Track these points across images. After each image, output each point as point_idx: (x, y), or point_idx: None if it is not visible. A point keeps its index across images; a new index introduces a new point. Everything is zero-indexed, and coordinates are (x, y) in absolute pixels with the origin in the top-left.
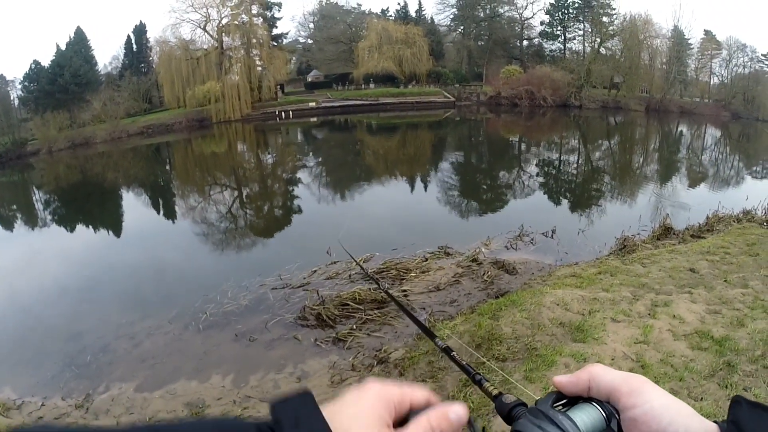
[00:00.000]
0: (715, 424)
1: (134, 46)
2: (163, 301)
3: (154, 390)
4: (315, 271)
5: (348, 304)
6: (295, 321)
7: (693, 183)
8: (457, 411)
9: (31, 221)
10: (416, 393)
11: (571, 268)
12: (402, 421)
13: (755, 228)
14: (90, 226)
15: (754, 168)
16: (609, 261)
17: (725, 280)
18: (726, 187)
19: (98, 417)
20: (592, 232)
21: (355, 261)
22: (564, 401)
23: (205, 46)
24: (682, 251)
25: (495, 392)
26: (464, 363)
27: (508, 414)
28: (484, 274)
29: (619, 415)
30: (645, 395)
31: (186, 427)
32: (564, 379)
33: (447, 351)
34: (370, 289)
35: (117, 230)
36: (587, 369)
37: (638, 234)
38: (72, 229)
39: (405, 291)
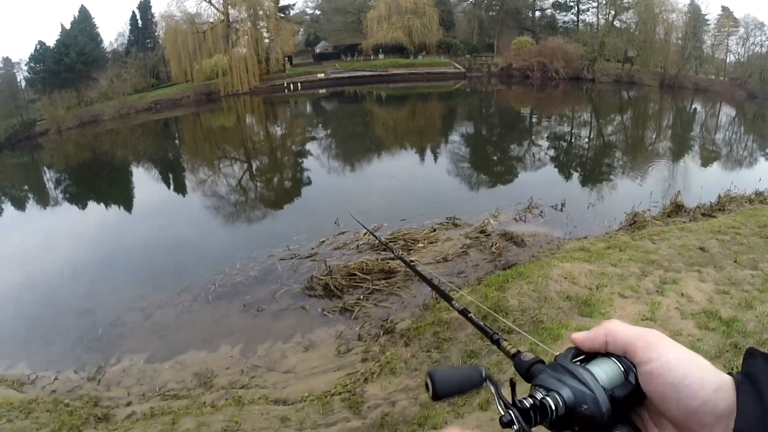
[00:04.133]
0: (729, 377)
1: (139, 22)
2: (173, 273)
3: (164, 361)
4: (323, 241)
5: (355, 275)
6: (302, 291)
7: (706, 161)
8: None
9: (43, 200)
10: None
11: (579, 242)
12: None
13: (767, 209)
14: (100, 203)
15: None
16: (618, 236)
17: (735, 261)
18: (739, 167)
19: (110, 389)
20: (602, 206)
21: (368, 230)
22: (582, 357)
23: (211, 20)
24: (692, 229)
25: (513, 351)
26: (482, 324)
27: (527, 371)
28: (492, 246)
29: (636, 369)
30: (660, 349)
31: None
32: (581, 336)
33: (464, 313)
34: (377, 259)
35: (127, 206)
36: (604, 325)
37: (649, 210)
38: (83, 207)
39: (412, 261)
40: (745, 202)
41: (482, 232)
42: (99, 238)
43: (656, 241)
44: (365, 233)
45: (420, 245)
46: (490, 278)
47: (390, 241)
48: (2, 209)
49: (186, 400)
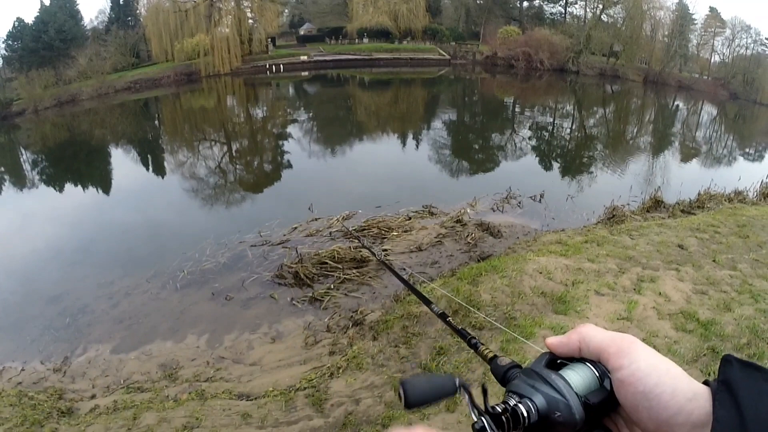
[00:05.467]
0: (704, 385)
1: None
2: (143, 259)
3: (129, 351)
4: (296, 228)
5: (326, 263)
6: (272, 279)
7: (686, 158)
8: None
9: (19, 182)
10: None
11: (557, 234)
12: None
13: (746, 209)
14: (77, 185)
15: (747, 150)
16: (596, 230)
17: (714, 260)
18: (718, 165)
19: (75, 380)
20: (581, 198)
21: (353, 234)
22: (558, 362)
23: None
24: (671, 226)
25: (490, 355)
26: (460, 328)
27: (504, 376)
28: (467, 236)
29: (610, 375)
30: (632, 356)
31: None
32: (556, 341)
33: (443, 317)
34: (350, 247)
35: (104, 188)
36: (578, 329)
37: (628, 204)
38: (59, 189)
39: (386, 250)
40: (725, 200)
41: (458, 221)
42: (74, 221)
43: (634, 237)
44: (337, 219)
45: (394, 233)
46: (462, 271)
47: (363, 229)
48: None
49: (149, 393)
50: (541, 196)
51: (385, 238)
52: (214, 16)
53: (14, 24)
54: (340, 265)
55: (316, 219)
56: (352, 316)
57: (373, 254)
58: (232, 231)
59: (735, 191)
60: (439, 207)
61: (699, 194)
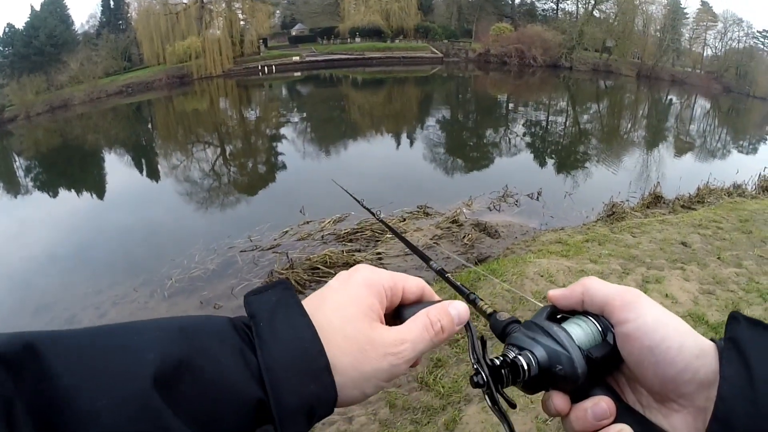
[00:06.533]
0: (711, 342)
1: (111, 3)
2: (131, 266)
3: None
4: (287, 231)
5: (318, 268)
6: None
7: (682, 152)
8: (458, 307)
9: (13, 189)
10: (409, 282)
11: (556, 233)
12: (394, 314)
13: (747, 203)
14: (70, 191)
15: (742, 143)
16: (597, 228)
17: (719, 257)
18: (715, 159)
19: None
20: (579, 195)
21: (355, 199)
22: (559, 316)
23: (185, 1)
24: (673, 222)
25: (489, 311)
26: (458, 284)
27: (503, 331)
28: (464, 237)
29: (614, 330)
30: (638, 310)
31: (154, 324)
32: (558, 293)
33: (441, 273)
34: (342, 251)
35: (97, 193)
36: (581, 282)
37: (627, 201)
38: (52, 195)
39: (379, 254)
40: (725, 194)
41: (454, 221)
42: (65, 228)
43: (636, 235)
44: (330, 222)
45: (388, 236)
46: (460, 275)
47: (356, 231)
48: None
49: None
50: (539, 193)
51: (378, 240)
52: (205, 18)
53: (4, 30)
54: (332, 270)
55: (307, 222)
56: None
57: (373, 214)
58: (222, 235)
59: (734, 185)
60: (434, 207)
61: (698, 189)
